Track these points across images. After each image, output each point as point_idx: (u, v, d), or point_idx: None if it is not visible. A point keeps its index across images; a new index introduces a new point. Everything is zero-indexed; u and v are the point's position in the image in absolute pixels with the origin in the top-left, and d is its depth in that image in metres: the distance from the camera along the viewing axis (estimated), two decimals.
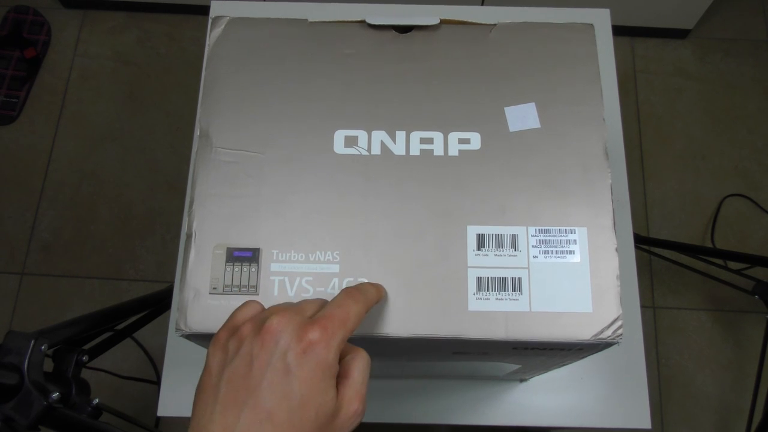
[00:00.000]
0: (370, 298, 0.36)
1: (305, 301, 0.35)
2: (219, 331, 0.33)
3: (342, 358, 0.33)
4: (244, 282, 0.39)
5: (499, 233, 0.40)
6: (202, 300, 0.39)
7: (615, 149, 0.73)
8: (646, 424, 0.65)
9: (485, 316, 0.38)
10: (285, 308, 0.33)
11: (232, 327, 0.33)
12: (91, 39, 1.62)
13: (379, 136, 0.42)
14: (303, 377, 0.30)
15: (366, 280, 0.39)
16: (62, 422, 0.57)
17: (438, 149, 0.42)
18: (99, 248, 1.44)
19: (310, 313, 0.33)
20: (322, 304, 0.34)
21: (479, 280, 0.39)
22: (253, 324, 0.32)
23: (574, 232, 0.40)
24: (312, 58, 0.44)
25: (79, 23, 1.63)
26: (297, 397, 0.30)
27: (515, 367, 0.53)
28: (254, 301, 0.35)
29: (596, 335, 0.38)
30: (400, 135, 0.42)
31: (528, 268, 0.39)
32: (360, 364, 0.33)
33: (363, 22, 0.45)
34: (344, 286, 0.39)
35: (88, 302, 1.40)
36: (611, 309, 0.39)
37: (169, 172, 1.50)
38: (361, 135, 0.42)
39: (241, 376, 0.31)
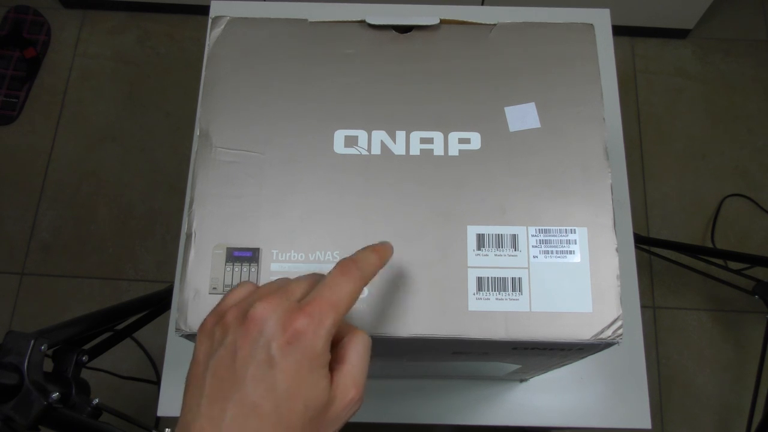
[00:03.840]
0: (369, 269, 0.33)
1: (297, 280, 0.33)
2: (207, 317, 0.32)
3: (338, 342, 0.32)
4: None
5: (499, 233, 0.40)
6: (202, 300, 0.39)
7: (615, 149, 0.73)
8: (646, 424, 0.65)
9: (485, 316, 0.38)
10: (272, 292, 0.31)
11: (219, 313, 0.32)
12: (91, 39, 1.62)
13: (379, 136, 0.42)
14: (288, 369, 0.29)
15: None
16: (62, 422, 0.57)
17: (438, 149, 0.42)
18: (99, 248, 1.44)
19: (299, 294, 0.31)
20: (315, 281, 0.32)
21: (479, 280, 0.39)
22: (238, 310, 0.31)
23: (575, 232, 0.40)
24: (312, 58, 0.44)
25: (79, 23, 1.63)
26: (282, 389, 0.29)
27: (515, 367, 0.53)
28: (248, 282, 0.34)
29: (596, 335, 0.38)
30: (400, 135, 0.42)
31: (528, 268, 0.39)
32: (358, 347, 0.32)
33: (363, 22, 0.45)
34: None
35: (88, 302, 1.40)
36: (611, 309, 0.39)
37: (169, 172, 1.50)
38: (361, 135, 0.42)
39: (226, 368, 0.29)
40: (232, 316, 0.31)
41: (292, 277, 0.34)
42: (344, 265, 0.32)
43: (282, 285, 0.32)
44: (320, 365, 0.30)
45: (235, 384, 0.29)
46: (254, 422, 0.29)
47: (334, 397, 0.30)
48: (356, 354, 0.31)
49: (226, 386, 0.29)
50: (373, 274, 0.33)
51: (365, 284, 0.32)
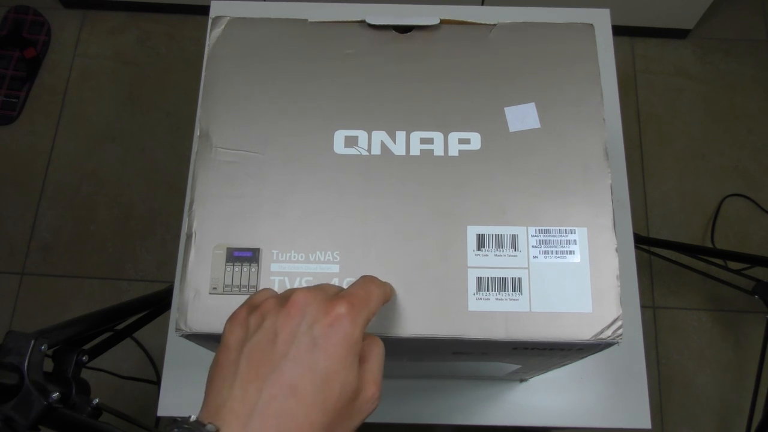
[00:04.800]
0: (387, 290, 0.36)
1: (324, 284, 0.34)
2: (237, 310, 0.33)
3: None
4: (244, 282, 0.39)
5: (499, 233, 0.40)
6: (202, 300, 0.39)
7: (615, 149, 0.73)
8: (646, 424, 0.65)
9: (485, 316, 0.38)
10: (308, 286, 0.33)
11: (252, 304, 0.32)
12: (91, 39, 1.62)
13: (379, 136, 0.42)
14: (329, 351, 0.29)
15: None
16: (62, 422, 0.57)
17: (438, 149, 0.42)
18: (99, 248, 1.44)
19: (333, 292, 0.33)
20: (341, 289, 0.34)
21: (479, 280, 0.39)
22: (276, 300, 0.32)
23: (574, 232, 0.40)
24: (312, 58, 0.44)
25: (79, 23, 1.63)
26: (322, 371, 0.29)
27: (515, 367, 0.53)
28: (270, 288, 0.35)
29: (596, 335, 0.38)
30: (400, 135, 0.42)
31: (528, 268, 0.39)
32: (376, 350, 0.33)
33: (363, 22, 0.45)
34: (344, 287, 0.38)
35: (88, 302, 1.40)
36: (611, 309, 0.39)
37: (169, 172, 1.50)
38: (361, 135, 0.42)
39: (264, 351, 0.30)
40: (270, 305, 0.31)
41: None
42: (369, 276, 0.35)
43: (315, 285, 0.34)
44: (355, 352, 0.31)
45: (273, 365, 0.29)
46: (291, 403, 0.28)
47: (360, 389, 0.31)
48: (375, 356, 0.33)
49: (262, 368, 0.29)
50: (388, 297, 0.36)
51: (385, 300, 0.35)
